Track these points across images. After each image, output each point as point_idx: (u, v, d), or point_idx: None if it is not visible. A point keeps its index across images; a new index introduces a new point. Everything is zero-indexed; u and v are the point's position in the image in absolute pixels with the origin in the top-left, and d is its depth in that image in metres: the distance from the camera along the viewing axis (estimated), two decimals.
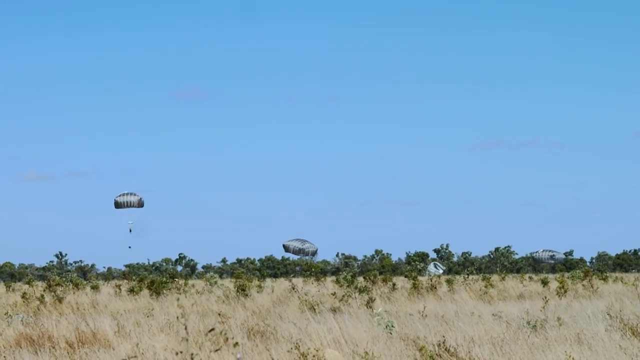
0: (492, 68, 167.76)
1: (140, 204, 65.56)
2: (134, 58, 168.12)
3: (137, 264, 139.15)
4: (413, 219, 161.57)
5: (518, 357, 17.50)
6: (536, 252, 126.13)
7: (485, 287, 46.58)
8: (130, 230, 65.53)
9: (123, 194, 65.50)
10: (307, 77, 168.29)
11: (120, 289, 49.76)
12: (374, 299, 36.05)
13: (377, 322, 22.52)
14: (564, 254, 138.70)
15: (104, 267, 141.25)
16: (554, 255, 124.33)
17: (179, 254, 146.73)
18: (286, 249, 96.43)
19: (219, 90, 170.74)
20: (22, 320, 27.19)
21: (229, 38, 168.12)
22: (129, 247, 68.27)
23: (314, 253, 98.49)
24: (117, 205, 65.48)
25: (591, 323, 22.51)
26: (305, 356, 16.62)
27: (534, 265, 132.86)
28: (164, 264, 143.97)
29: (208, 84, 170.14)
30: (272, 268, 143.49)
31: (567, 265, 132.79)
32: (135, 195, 65.38)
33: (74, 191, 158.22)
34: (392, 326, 21.96)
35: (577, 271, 62.31)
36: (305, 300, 33.30)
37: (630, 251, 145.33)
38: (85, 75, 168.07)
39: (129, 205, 65.11)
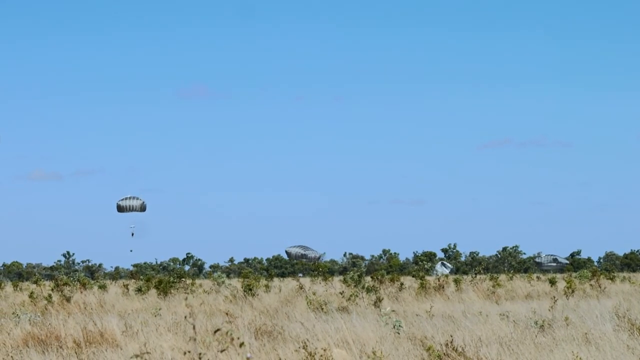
0: (498, 67, 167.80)
1: (143, 208, 65.56)
2: (142, 57, 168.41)
3: (145, 263, 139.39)
4: (420, 219, 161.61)
5: (525, 357, 17.48)
6: (538, 256, 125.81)
7: (493, 286, 46.55)
8: (133, 234, 65.63)
9: (125, 198, 65.50)
10: (315, 76, 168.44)
11: (127, 288, 49.79)
12: (382, 299, 36.06)
13: (384, 321, 22.52)
14: (571, 254, 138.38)
15: (112, 267, 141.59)
16: (556, 258, 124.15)
17: (187, 254, 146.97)
18: (289, 255, 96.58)
19: (226, 89, 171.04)
20: (29, 320, 27.23)
21: (236, 37, 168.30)
22: (130, 251, 68.46)
23: (317, 259, 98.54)
24: (120, 209, 65.51)
25: (599, 323, 22.48)
26: (313, 356, 16.62)
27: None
28: (172, 263, 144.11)
29: (215, 83, 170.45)
30: (279, 268, 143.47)
31: (575, 264, 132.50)
32: (137, 199, 65.36)
33: (82, 190, 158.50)
34: (400, 326, 21.96)
35: (585, 271, 62.22)
36: (313, 300, 33.30)
37: (637, 251, 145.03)
38: (92, 74, 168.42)
39: (131, 209, 65.14)
